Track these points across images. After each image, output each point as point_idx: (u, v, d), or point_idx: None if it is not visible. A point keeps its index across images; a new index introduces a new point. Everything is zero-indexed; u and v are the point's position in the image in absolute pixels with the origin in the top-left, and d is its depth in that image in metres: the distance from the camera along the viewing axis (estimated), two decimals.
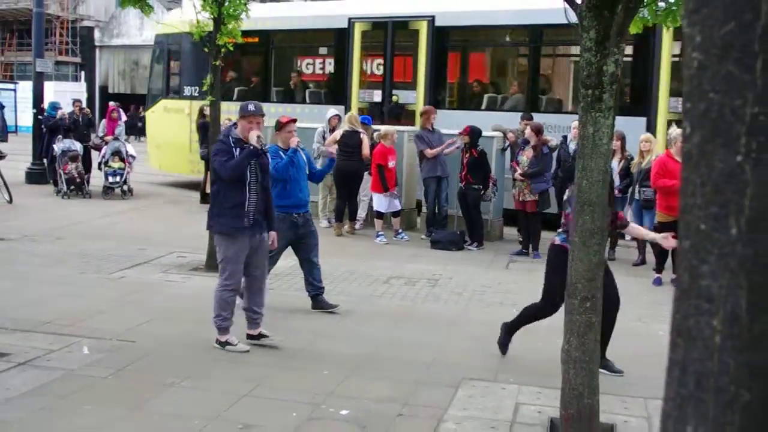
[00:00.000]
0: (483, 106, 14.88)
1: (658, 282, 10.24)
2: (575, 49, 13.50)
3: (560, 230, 6.94)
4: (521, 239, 12.10)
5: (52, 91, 25.55)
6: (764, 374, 1.20)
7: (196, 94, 17.65)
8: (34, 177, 18.11)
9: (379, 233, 12.74)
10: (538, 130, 11.89)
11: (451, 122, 13.37)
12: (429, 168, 12.86)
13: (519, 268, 11.14)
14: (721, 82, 1.18)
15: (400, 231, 12.93)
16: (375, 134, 13.07)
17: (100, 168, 16.55)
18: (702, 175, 1.21)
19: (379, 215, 12.90)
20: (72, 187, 16.04)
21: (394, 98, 15.36)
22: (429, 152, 12.72)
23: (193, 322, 7.88)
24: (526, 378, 6.57)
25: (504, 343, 7.16)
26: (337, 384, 6.27)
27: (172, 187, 17.84)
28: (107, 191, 16.19)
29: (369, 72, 15.97)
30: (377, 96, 15.40)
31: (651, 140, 10.89)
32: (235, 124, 7.40)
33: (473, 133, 12.12)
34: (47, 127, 17.16)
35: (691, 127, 1.23)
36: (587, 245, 5.41)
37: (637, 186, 10.98)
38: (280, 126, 7.95)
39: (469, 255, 11.92)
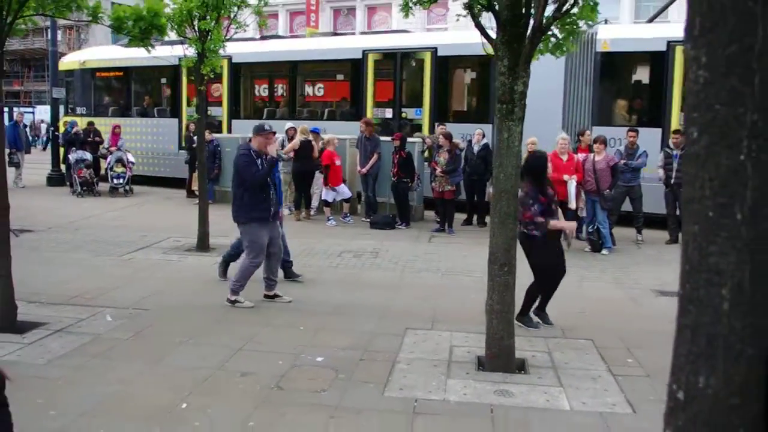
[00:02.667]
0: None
1: None
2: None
3: (531, 227, 6.46)
4: (438, 220, 12.08)
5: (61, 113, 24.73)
6: (765, 332, 1.14)
7: (84, 113, 18.56)
8: (53, 181, 17.55)
9: (329, 218, 12.58)
10: (448, 136, 11.89)
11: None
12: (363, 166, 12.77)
13: (438, 241, 11.12)
14: (726, 95, 1.11)
15: (347, 215, 12.80)
16: (321, 141, 12.87)
17: (106, 173, 16.15)
18: (709, 171, 1.14)
19: (327, 204, 12.74)
20: (85, 188, 15.65)
21: (403, 114, 14.91)
22: (361, 171, 12.66)
23: (193, 293, 7.66)
24: (454, 326, 6.53)
25: (528, 321, 6.66)
26: (310, 337, 6.14)
27: (162, 187, 17.33)
28: (113, 191, 15.86)
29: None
30: (389, 113, 14.96)
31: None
32: (250, 139, 7.12)
33: (402, 139, 12.12)
34: (65, 140, 16.67)
35: (698, 132, 1.15)
36: (504, 224, 5.38)
37: None
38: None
39: (399, 233, 11.85)
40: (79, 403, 4.58)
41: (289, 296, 7.41)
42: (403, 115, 14.77)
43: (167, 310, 6.95)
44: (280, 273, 7.96)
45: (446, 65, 14.42)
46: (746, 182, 1.12)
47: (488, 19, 5.28)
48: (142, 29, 6.50)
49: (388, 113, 14.76)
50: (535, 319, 6.72)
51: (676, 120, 12.14)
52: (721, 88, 1.12)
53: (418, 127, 14.28)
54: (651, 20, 14.92)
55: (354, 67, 15.14)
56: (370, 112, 14.91)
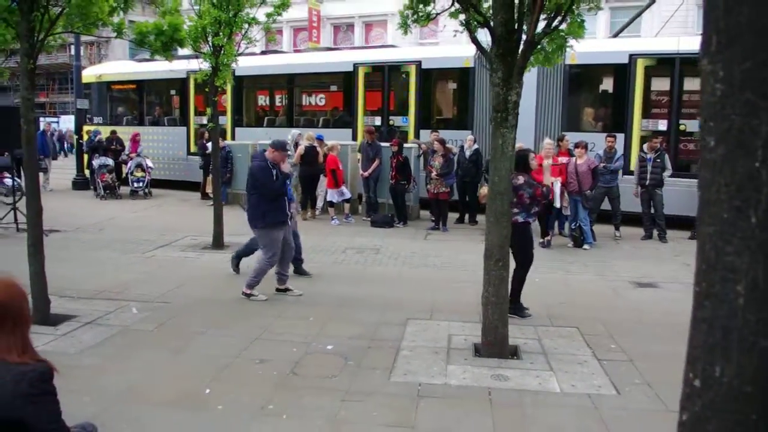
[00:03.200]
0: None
1: (541, 245, 10.25)
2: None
3: (517, 211, 6.49)
4: (433, 219, 12.04)
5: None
6: None
7: (100, 122, 18.60)
8: (78, 185, 17.44)
9: (333, 218, 12.55)
10: (442, 142, 11.88)
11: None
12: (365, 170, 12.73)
13: (434, 239, 11.09)
14: (742, 107, 1.10)
15: (349, 215, 12.77)
16: (325, 147, 12.83)
17: (127, 177, 16.09)
18: (726, 177, 1.13)
19: (331, 204, 12.71)
20: (107, 191, 15.57)
21: (391, 122, 14.86)
22: (364, 174, 12.62)
23: (210, 287, 7.62)
24: (452, 317, 6.53)
25: (521, 313, 6.63)
26: (320, 328, 6.12)
27: (178, 190, 17.29)
28: (133, 194, 15.80)
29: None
30: (378, 121, 14.86)
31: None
32: (265, 150, 7.16)
33: (399, 144, 12.09)
34: (89, 147, 16.60)
35: (715, 141, 1.14)
36: (499, 222, 5.37)
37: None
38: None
39: (397, 231, 11.83)
40: (110, 390, 4.56)
41: (299, 290, 7.39)
42: (391, 122, 14.76)
43: (188, 303, 6.91)
44: (291, 268, 7.94)
45: (430, 77, 14.46)
46: (761, 188, 1.11)
47: (484, 35, 5.26)
48: (164, 43, 6.46)
49: (377, 121, 14.73)
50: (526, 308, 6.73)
51: (637, 126, 12.22)
52: (737, 101, 1.11)
53: (404, 134, 14.24)
54: (616, 35, 14.95)
55: (346, 79, 15.18)
56: (361, 120, 14.94)
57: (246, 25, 9.46)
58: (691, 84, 12.12)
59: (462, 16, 5.35)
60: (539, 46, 5.32)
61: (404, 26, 5.81)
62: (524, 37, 4.98)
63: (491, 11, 5.08)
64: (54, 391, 2.09)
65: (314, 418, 4.22)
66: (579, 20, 5.20)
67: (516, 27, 4.96)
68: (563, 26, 5.24)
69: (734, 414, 1.15)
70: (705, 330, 1.19)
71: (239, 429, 4.06)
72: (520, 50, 5.03)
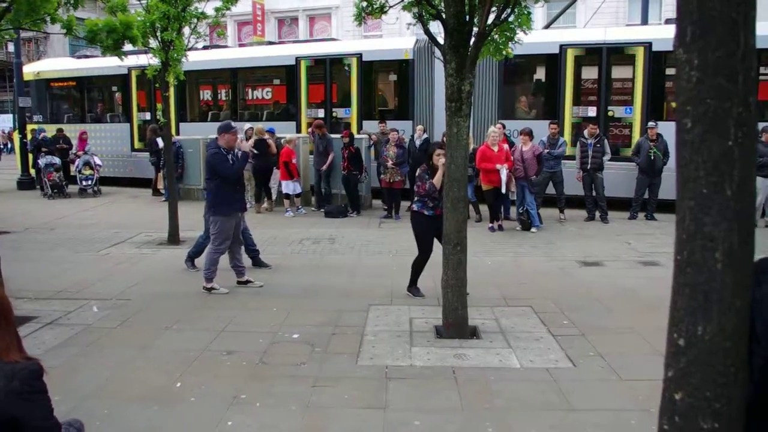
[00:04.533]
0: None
1: (491, 229, 10.52)
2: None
3: (416, 199, 6.77)
4: (386, 207, 12.13)
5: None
6: (748, 287, 1.24)
7: (40, 120, 18.16)
8: (23, 185, 16.79)
9: (288, 209, 12.49)
10: (397, 132, 12.01)
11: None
12: (318, 162, 12.70)
13: (387, 227, 11.17)
14: (715, 91, 1.19)
15: (300, 207, 12.72)
16: (282, 140, 12.72)
17: (75, 176, 15.61)
18: (703, 155, 1.23)
19: (287, 196, 12.64)
20: (55, 191, 15.07)
21: (334, 114, 14.82)
22: (322, 169, 12.59)
23: (170, 282, 7.51)
24: (410, 301, 6.63)
25: (415, 293, 6.86)
26: (284, 317, 6.12)
27: (124, 187, 16.85)
28: (82, 192, 15.31)
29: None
30: (321, 113, 14.80)
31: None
32: (216, 138, 6.97)
33: (351, 136, 12.10)
34: (34, 146, 16.02)
35: (692, 123, 1.24)
36: (456, 208, 5.48)
37: None
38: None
39: (352, 220, 11.85)
40: (80, 388, 4.47)
41: (259, 281, 7.36)
42: (334, 114, 14.80)
43: (148, 299, 6.80)
44: (249, 261, 7.89)
45: (371, 69, 14.53)
46: (734, 164, 1.21)
47: (436, 26, 5.34)
48: (115, 40, 6.29)
49: (321, 113, 14.74)
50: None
51: (569, 113, 12.60)
52: (711, 86, 1.20)
53: (347, 125, 14.24)
54: (547, 26, 15.29)
55: (289, 72, 15.13)
56: (305, 112, 14.93)
57: (195, 20, 9.28)
58: (618, 72, 12.57)
59: (415, 9, 5.41)
60: (489, 38, 5.43)
61: (359, 18, 5.83)
62: (476, 29, 5.07)
63: (443, 4, 5.16)
64: (45, 388, 2.07)
65: (288, 404, 4.25)
66: (527, 12, 5.33)
67: (467, 19, 5.05)
68: (511, 18, 5.37)
69: (716, 367, 1.25)
70: (688, 294, 1.29)
71: (215, 419, 4.05)
72: (471, 42, 5.13)
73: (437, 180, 6.53)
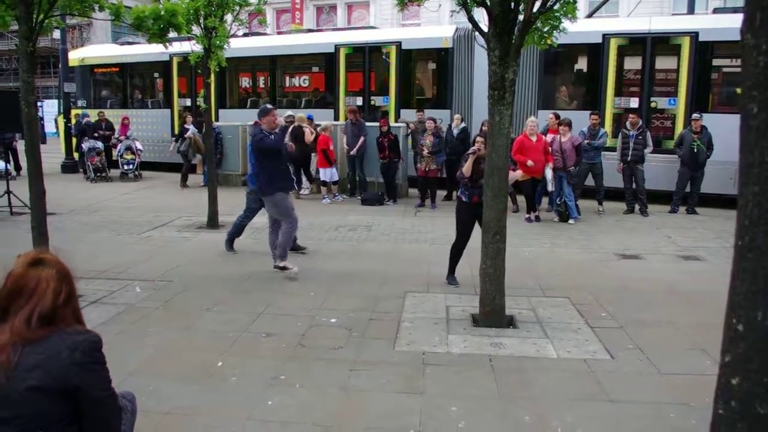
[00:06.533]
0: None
1: (528, 220, 10.46)
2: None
3: (462, 188, 6.77)
4: (421, 196, 12.13)
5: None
6: None
7: (84, 105, 18.48)
8: (67, 168, 17.24)
9: (325, 196, 12.59)
10: (434, 121, 11.98)
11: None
12: (351, 145, 12.78)
13: (423, 215, 11.18)
14: None
15: (337, 194, 12.81)
16: (318, 127, 12.81)
17: (117, 160, 15.94)
18: None
19: (324, 183, 12.74)
20: (98, 174, 15.45)
21: (372, 102, 14.84)
22: (351, 152, 12.67)
23: (210, 265, 7.66)
24: (447, 289, 6.65)
25: (451, 281, 6.87)
26: (322, 302, 6.20)
27: (164, 172, 17.17)
28: (123, 176, 15.67)
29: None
30: (359, 101, 14.84)
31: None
32: (256, 122, 7.14)
33: (388, 124, 12.15)
34: (78, 130, 16.38)
35: (758, 108, 1.23)
36: (497, 197, 5.46)
37: None
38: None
39: (388, 208, 11.89)
40: (125, 365, 4.59)
41: (296, 267, 7.42)
42: (372, 102, 14.78)
43: (190, 281, 6.94)
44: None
45: (409, 57, 14.45)
46: None
47: (480, 13, 5.30)
48: (161, 27, 6.41)
49: (359, 101, 14.74)
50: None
51: (610, 103, 12.37)
52: None
53: (384, 114, 14.23)
54: (590, 15, 15.01)
55: (328, 60, 15.16)
56: (343, 100, 14.94)
57: (237, 7, 9.39)
58: (662, 62, 12.30)
59: None
60: (533, 26, 5.38)
61: (401, 2, 5.82)
62: (521, 17, 5.03)
63: None
64: (104, 360, 2.16)
65: (326, 386, 4.32)
66: (572, 0, 5.26)
67: (512, 6, 5.01)
68: (557, 6, 5.30)
69: None
70: (748, 279, 1.28)
71: (256, 398, 4.14)
72: (516, 29, 5.09)
73: (466, 169, 6.59)
